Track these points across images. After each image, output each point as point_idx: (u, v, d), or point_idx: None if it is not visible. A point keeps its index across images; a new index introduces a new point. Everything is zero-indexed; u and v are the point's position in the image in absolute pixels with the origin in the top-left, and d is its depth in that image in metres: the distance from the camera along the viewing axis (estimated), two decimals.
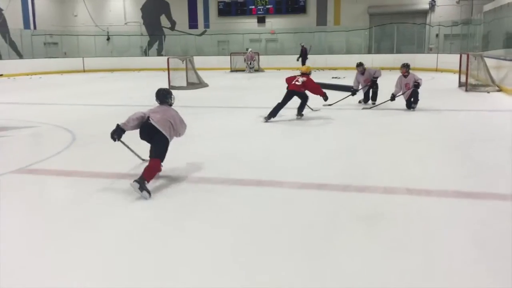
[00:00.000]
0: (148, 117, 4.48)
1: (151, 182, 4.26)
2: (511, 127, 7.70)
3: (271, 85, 15.49)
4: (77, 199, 4.24)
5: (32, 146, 6.53)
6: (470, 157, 5.62)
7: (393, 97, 9.14)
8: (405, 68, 9.08)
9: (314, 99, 8.83)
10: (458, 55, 14.23)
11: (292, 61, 21.33)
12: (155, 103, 4.87)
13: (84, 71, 24.06)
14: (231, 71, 22.51)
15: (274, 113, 8.21)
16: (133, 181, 4.08)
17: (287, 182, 4.61)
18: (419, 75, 9.31)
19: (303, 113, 8.55)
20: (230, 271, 2.86)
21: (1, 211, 3.86)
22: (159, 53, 27.02)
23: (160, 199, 4.13)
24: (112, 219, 3.71)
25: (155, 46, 27.72)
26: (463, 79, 13.04)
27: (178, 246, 3.21)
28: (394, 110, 9.10)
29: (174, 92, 5.08)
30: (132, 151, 5.11)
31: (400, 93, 9.15)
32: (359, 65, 9.76)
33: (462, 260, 2.96)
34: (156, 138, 4.48)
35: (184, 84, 14.45)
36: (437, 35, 23.18)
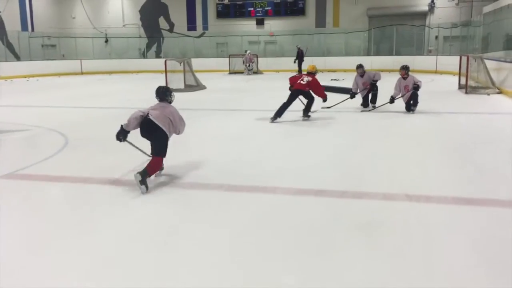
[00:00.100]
0: (148, 113, 4.59)
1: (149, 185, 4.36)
2: None
3: (269, 87, 15.42)
4: (67, 205, 4.13)
5: (22, 150, 6.38)
6: (470, 161, 5.49)
7: (392, 100, 9.03)
8: (405, 70, 8.97)
9: (318, 101, 8.76)
10: (458, 57, 14.13)
11: (291, 63, 21.24)
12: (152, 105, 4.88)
13: (82, 73, 23.95)
14: (230, 73, 22.42)
15: (279, 113, 8.23)
16: (137, 173, 4.29)
17: (282, 187, 4.49)
18: (419, 77, 9.22)
19: (309, 114, 8.52)
20: (226, 279, 2.78)
21: None
22: (158, 55, 26.91)
23: (156, 204, 4.09)
24: (103, 224, 3.60)
25: (154, 48, 27.62)
26: (463, 81, 12.94)
27: (174, 250, 3.19)
28: (394, 112, 9.00)
29: None
30: (139, 149, 5.14)
31: (400, 95, 9.04)
32: (359, 67, 9.62)
33: (462, 268, 2.86)
34: (156, 135, 4.59)
35: (182, 86, 14.34)
36: (436, 37, 23.10)
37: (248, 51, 22.03)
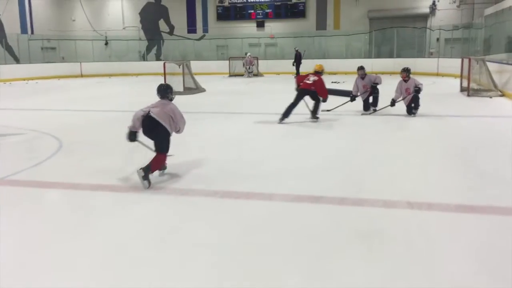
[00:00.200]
0: (149, 111, 4.68)
1: (143, 192, 4.36)
2: None
3: (270, 90, 15.32)
4: (58, 211, 4.00)
5: (14, 155, 6.24)
6: (473, 166, 5.36)
7: (393, 103, 8.91)
8: (406, 72, 8.85)
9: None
10: (459, 60, 14.00)
11: (291, 66, 21.10)
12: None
13: (81, 76, 23.86)
14: (230, 75, 22.30)
15: (286, 114, 8.28)
16: (140, 169, 4.44)
17: (279, 194, 4.35)
18: (420, 79, 9.10)
19: (318, 116, 8.51)
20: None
21: None
22: (158, 58, 26.81)
23: (150, 210, 4.01)
24: (101, 225, 3.48)
25: (154, 50, 27.54)
26: (464, 83, 12.81)
27: (173, 251, 3.18)
28: (394, 116, 8.88)
29: None
30: (149, 147, 5.10)
31: (401, 98, 8.92)
32: (360, 68, 9.48)
33: (464, 277, 2.76)
34: (158, 132, 4.68)
35: (181, 89, 14.20)
36: (437, 39, 22.97)
37: (249, 54, 21.93)
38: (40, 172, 5.31)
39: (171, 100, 4.96)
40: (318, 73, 8.57)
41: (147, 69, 24.08)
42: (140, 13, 27.74)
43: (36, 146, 6.80)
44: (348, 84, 13.04)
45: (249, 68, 21.43)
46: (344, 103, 9.48)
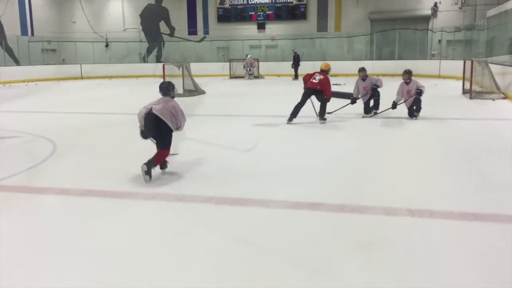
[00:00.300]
0: (151, 108, 4.80)
1: (138, 198, 4.31)
2: None
3: (270, 92, 15.19)
4: (50, 217, 3.87)
5: (7, 159, 6.12)
6: (476, 170, 5.21)
7: (394, 105, 8.77)
8: (407, 74, 8.72)
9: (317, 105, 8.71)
10: (461, 61, 13.88)
11: (291, 68, 20.97)
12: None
13: (82, 78, 23.75)
14: (230, 77, 22.19)
15: (294, 113, 8.33)
16: (143, 164, 4.67)
17: (276, 201, 4.21)
18: (422, 82, 8.97)
19: (325, 117, 8.52)
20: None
21: None
22: (158, 60, 26.70)
23: (146, 215, 3.92)
24: (99, 227, 3.35)
25: (154, 52, 27.44)
26: (467, 86, 12.69)
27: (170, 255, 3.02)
28: (396, 118, 8.75)
29: None
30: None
31: (402, 100, 8.79)
32: (362, 70, 9.35)
33: None
34: (160, 129, 4.81)
35: (181, 91, 14.07)
36: (439, 41, 22.82)
37: (249, 56, 21.81)
38: (31, 177, 5.19)
39: (172, 97, 5.08)
40: (324, 71, 8.58)
41: (147, 71, 23.97)
42: (140, 15, 27.64)
43: (30, 149, 6.67)
44: (349, 86, 12.89)
45: (250, 70, 21.31)
46: (345, 106, 9.35)
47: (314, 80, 8.40)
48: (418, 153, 6.12)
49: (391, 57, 22.75)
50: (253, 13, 26.28)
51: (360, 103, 9.33)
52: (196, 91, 14.54)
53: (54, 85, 19.73)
